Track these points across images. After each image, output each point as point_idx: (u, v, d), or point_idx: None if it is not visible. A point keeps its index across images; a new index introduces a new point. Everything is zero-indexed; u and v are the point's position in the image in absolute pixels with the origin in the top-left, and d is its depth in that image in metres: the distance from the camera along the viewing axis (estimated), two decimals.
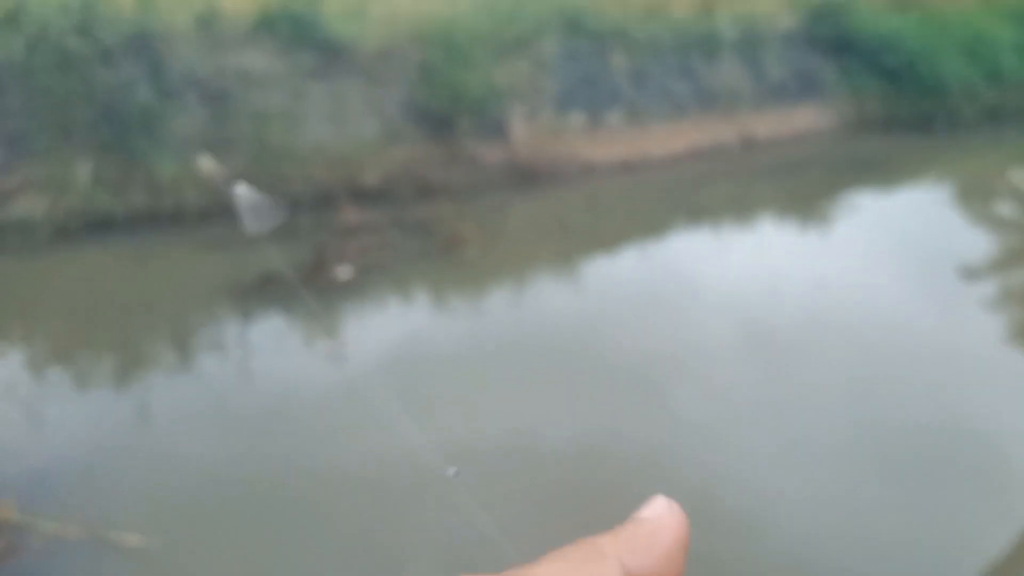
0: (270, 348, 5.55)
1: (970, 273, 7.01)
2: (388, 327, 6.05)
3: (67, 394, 5.02)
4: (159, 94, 7.49)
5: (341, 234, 7.10)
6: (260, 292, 6.16)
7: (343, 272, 6.42)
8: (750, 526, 3.76)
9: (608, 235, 7.96)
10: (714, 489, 3.77)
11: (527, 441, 4.49)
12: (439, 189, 8.35)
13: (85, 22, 7.27)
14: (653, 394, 4.93)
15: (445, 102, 8.25)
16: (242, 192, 1.56)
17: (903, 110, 11.34)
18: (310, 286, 6.17)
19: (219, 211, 7.61)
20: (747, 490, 3.96)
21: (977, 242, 7.82)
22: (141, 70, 7.45)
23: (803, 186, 9.55)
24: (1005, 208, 9.33)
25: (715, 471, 4.12)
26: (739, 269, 7.23)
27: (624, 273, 7.00)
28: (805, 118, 10.89)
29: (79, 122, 7.29)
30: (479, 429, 4.62)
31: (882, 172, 9.82)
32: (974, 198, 9.67)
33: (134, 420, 4.69)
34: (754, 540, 3.66)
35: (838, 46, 11.30)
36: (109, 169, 7.46)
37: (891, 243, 7.83)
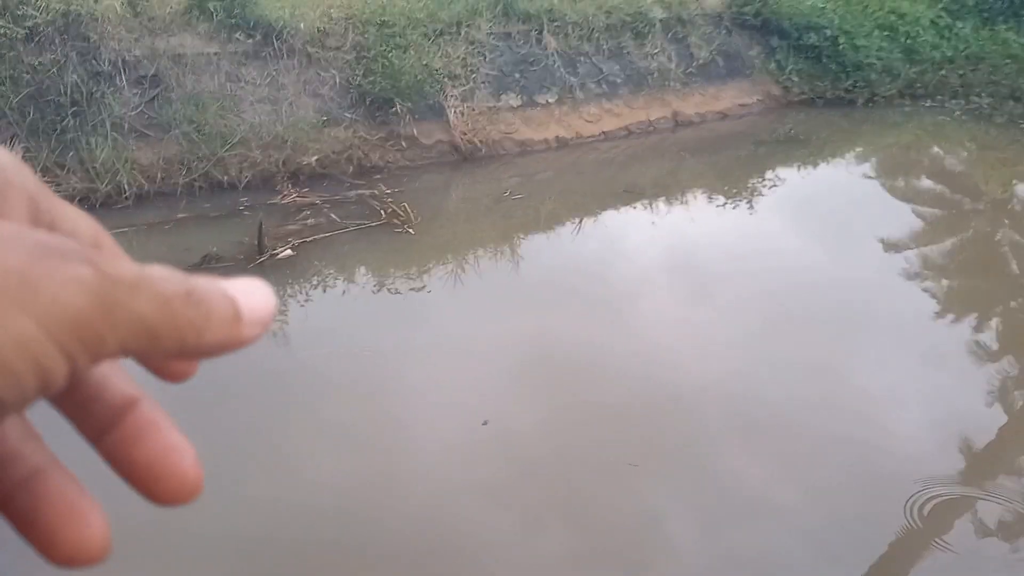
0: None
1: (889, 245, 7.41)
2: (323, 304, 6.15)
3: None
4: (90, 77, 7.42)
5: (281, 214, 7.20)
6: (201, 272, 6.20)
7: (284, 251, 6.53)
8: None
9: (545, 211, 8.20)
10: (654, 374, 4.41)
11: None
12: (378, 169, 8.47)
13: (7, 3, 7.13)
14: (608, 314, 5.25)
15: (382, 84, 8.34)
16: None
17: (825, 87, 11.84)
18: (252, 265, 6.26)
19: (156, 196, 7.61)
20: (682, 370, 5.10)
21: (896, 214, 8.29)
22: (70, 53, 7.36)
23: (730, 162, 9.93)
24: (922, 183, 9.85)
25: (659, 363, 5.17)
26: (674, 235, 7.58)
27: (565, 243, 7.28)
28: (731, 97, 11.29)
29: (7, 105, 7.17)
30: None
31: (805, 147, 10.26)
32: (893, 172, 10.19)
33: None
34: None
35: (763, 26, 11.73)
36: (41, 153, 7.36)
37: (814, 213, 8.24)
